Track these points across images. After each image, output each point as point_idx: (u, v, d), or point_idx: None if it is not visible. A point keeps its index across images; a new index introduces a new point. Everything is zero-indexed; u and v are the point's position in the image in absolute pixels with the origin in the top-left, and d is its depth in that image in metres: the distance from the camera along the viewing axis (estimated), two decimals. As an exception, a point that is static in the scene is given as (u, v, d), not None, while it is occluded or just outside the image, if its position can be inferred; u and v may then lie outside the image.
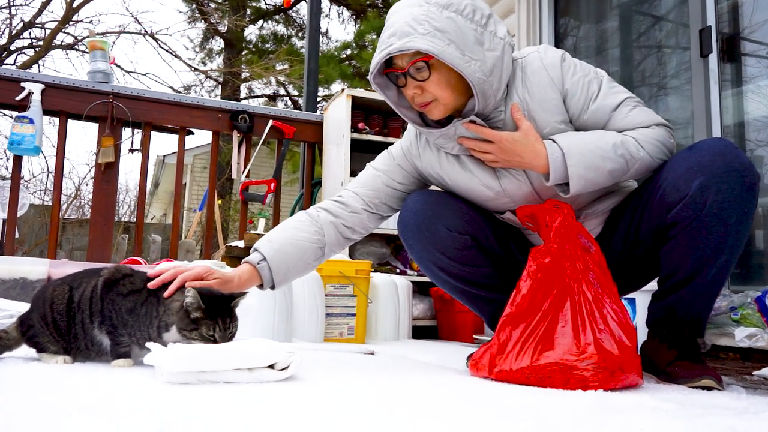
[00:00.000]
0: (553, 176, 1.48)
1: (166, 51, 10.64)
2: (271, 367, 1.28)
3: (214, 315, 1.37)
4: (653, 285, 1.65)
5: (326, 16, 13.54)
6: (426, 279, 3.29)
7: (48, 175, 10.98)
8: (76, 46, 9.39)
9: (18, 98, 3.08)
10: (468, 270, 1.65)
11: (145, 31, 9.61)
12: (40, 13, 9.78)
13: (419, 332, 3.12)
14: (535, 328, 1.37)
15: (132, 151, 3.37)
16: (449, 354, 2.20)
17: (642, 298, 2.20)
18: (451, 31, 1.41)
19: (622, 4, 3.32)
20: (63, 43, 9.36)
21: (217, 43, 13.14)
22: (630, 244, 1.60)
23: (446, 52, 1.41)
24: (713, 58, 2.54)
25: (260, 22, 13.15)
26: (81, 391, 1.12)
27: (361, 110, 3.39)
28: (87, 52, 10.03)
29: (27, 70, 9.26)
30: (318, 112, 3.80)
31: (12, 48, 10.06)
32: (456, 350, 2.38)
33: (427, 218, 1.61)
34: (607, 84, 1.55)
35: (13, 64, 10.00)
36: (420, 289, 3.28)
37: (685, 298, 1.48)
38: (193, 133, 3.63)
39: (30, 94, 3.09)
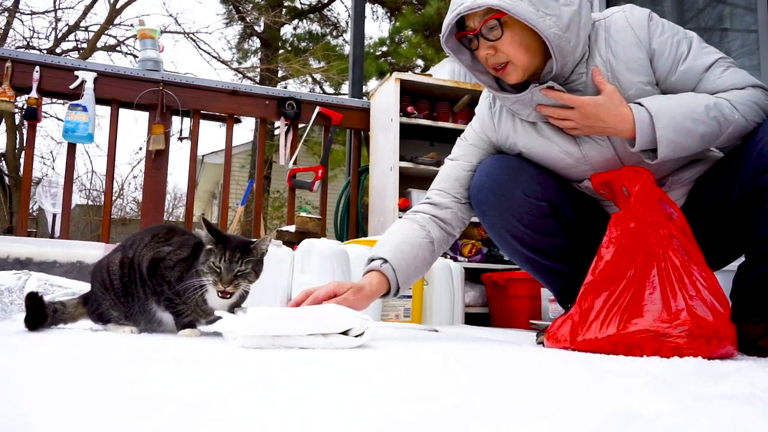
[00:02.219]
0: (640, 141, 1.40)
1: (205, 51, 10.73)
2: (345, 333, 1.23)
3: (225, 248, 1.35)
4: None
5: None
6: (477, 265, 3.21)
7: (92, 175, 11.25)
8: (118, 48, 9.57)
9: (71, 87, 3.12)
10: (542, 239, 1.58)
11: (185, 31, 9.74)
12: (84, 15, 10.02)
13: (471, 319, 3.05)
14: (620, 295, 1.29)
15: (181, 139, 3.39)
16: (512, 336, 2.13)
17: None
18: None
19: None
20: (106, 45, 9.55)
21: (254, 43, 13.27)
22: (718, 213, 1.50)
23: (519, 7, 1.34)
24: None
25: (295, 21, 13.23)
26: (158, 350, 1.10)
27: (408, 95, 3.34)
28: (129, 54, 10.24)
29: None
30: (364, 99, 3.76)
31: (58, 51, 10.32)
32: (517, 334, 2.31)
33: (503, 183, 1.55)
34: (697, 44, 1.46)
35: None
36: (471, 276, 3.21)
37: None
38: (240, 121, 3.63)
39: (83, 82, 3.13)
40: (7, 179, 10.05)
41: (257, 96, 3.44)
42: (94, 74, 3.15)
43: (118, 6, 9.26)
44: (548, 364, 1.02)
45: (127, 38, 9.53)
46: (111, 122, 3.27)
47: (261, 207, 3.56)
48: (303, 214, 3.78)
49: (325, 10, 13.38)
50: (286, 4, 12.71)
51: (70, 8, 9.64)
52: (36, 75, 3.07)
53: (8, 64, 3.03)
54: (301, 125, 3.52)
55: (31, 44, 10.14)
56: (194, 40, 9.62)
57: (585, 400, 0.59)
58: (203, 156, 14.32)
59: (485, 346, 1.46)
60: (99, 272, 1.50)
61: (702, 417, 0.52)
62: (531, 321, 2.69)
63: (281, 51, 13.02)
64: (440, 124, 3.26)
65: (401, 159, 3.13)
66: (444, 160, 1.76)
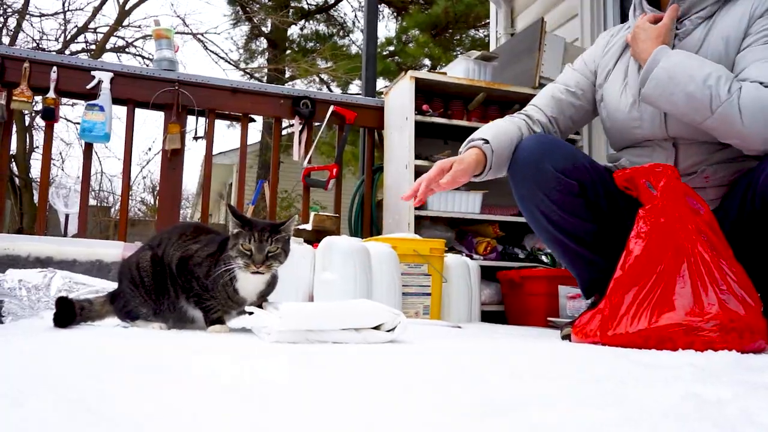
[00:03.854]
0: (643, 74, 1.51)
1: (212, 52, 10.76)
2: (377, 328, 1.24)
3: (252, 229, 1.36)
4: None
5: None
6: (493, 263, 3.21)
7: (102, 176, 11.29)
8: (128, 49, 9.61)
9: (88, 87, 3.13)
10: (570, 221, 1.59)
11: (193, 32, 9.77)
12: (93, 17, 10.06)
13: (486, 317, 3.04)
14: (650, 290, 1.30)
15: (196, 138, 3.40)
16: (531, 332, 2.14)
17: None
18: None
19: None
20: (115, 46, 9.59)
21: (261, 44, 13.30)
22: (744, 222, 1.49)
23: None
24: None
25: (302, 21, 13.25)
26: (189, 344, 1.10)
27: (422, 93, 3.34)
28: (138, 55, 10.26)
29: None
30: (378, 98, 3.76)
31: (67, 53, 10.37)
32: (536, 331, 2.31)
33: (536, 157, 1.60)
34: None
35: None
36: (486, 274, 3.20)
37: None
38: (254, 120, 3.64)
39: (100, 82, 3.15)
40: (17, 180, 10.10)
41: (272, 95, 3.45)
42: (111, 74, 3.17)
43: (127, 7, 9.30)
44: (589, 355, 1.03)
45: (136, 39, 9.56)
46: (127, 121, 3.29)
47: (275, 207, 3.57)
48: (317, 212, 3.80)
49: (332, 10, 13.40)
50: (293, 4, 12.74)
51: (79, 10, 9.64)
52: (53, 75, 3.09)
53: (26, 64, 3.05)
54: (315, 124, 3.53)
55: (40, 46, 10.20)
56: (202, 41, 9.63)
57: (647, 387, 0.59)
58: (212, 156, 14.36)
59: (517, 340, 1.47)
60: (128, 270, 1.51)
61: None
62: (549, 318, 2.69)
63: (288, 51, 13.04)
64: (455, 122, 3.26)
65: (416, 157, 3.13)
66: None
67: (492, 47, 4.52)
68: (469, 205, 3.20)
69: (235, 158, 14.46)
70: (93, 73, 3.16)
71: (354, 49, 12.93)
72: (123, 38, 10.11)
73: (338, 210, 3.51)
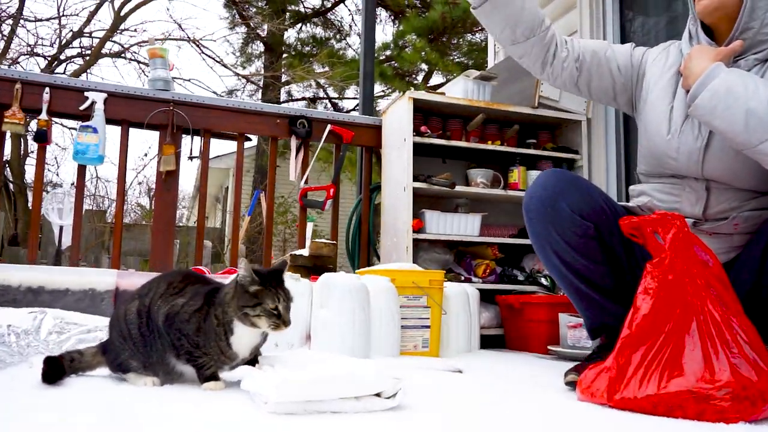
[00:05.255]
0: (698, 83, 1.41)
1: (209, 57, 10.69)
2: (378, 395, 1.20)
3: (273, 286, 1.32)
4: None
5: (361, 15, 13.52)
6: (492, 286, 3.18)
7: (97, 181, 11.21)
8: (123, 55, 9.54)
9: (82, 108, 3.08)
10: (584, 262, 1.56)
11: (189, 37, 9.71)
12: (88, 22, 9.98)
13: (486, 341, 3.01)
14: (658, 351, 1.26)
15: (191, 158, 3.36)
16: (533, 367, 2.10)
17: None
18: None
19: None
20: (111, 52, 9.52)
21: (257, 48, 13.23)
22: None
23: None
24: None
25: (299, 25, 13.18)
26: (187, 419, 1.06)
27: (420, 113, 3.30)
28: (134, 60, 10.18)
29: (86, 78, 9.53)
30: (375, 116, 3.72)
31: (62, 57, 10.30)
32: (536, 363, 2.28)
33: (552, 195, 1.57)
34: None
35: (63, 73, 10.23)
36: (485, 296, 3.17)
37: None
38: (250, 139, 3.60)
39: (93, 103, 3.10)
40: (12, 186, 10.03)
41: (268, 114, 3.40)
42: (104, 95, 3.12)
43: (122, 13, 9.22)
44: (597, 421, 0.99)
45: (131, 45, 9.49)
46: (121, 143, 3.24)
47: (272, 227, 3.52)
48: (310, 225, 3.76)
49: (329, 14, 13.35)
50: (290, 8, 12.67)
51: (74, 15, 9.56)
52: (46, 96, 3.04)
53: (18, 85, 3.00)
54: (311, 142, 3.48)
55: (35, 51, 10.12)
56: (198, 46, 9.57)
57: None
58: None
59: (523, 388, 1.43)
60: (117, 322, 1.47)
61: None
62: (549, 347, 2.65)
63: (285, 55, 12.98)
64: (453, 143, 3.22)
65: (415, 178, 3.09)
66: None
67: (490, 53, 4.46)
68: (468, 228, 3.16)
69: (231, 162, 14.42)
70: (86, 93, 3.11)
71: (350, 53, 12.88)
72: (118, 43, 10.04)
73: (335, 229, 3.47)
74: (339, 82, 10.87)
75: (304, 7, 12.97)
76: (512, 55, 1.81)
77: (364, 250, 3.51)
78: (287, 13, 12.28)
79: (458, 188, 3.17)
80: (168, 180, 3.22)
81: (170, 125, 3.21)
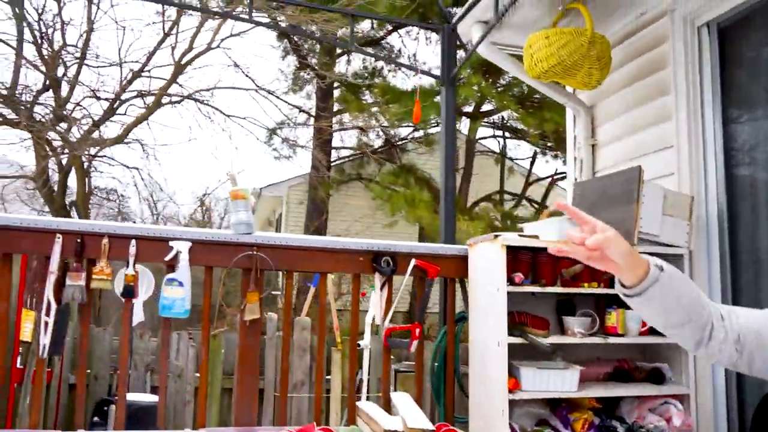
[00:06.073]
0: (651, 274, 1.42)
1: (263, 97, 10.69)
2: None
3: None
4: None
5: (415, 39, 13.38)
6: (591, 446, 2.99)
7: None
8: (182, 103, 9.64)
9: (166, 258, 3.04)
10: None
11: (256, 85, 9.71)
12: (145, 65, 10.11)
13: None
14: None
15: (274, 295, 3.28)
16: None
17: None
18: None
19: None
20: (172, 99, 9.63)
21: (307, 75, 13.19)
22: None
23: None
24: None
25: (349, 55, 13.09)
26: None
27: (510, 248, 3.13)
28: (198, 100, 10.25)
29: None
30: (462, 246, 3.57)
31: (123, 98, 10.49)
32: None
33: None
34: None
35: (125, 113, 10.43)
36: (583, 453, 2.99)
37: None
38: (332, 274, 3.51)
39: (178, 253, 3.05)
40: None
41: (351, 251, 3.30)
42: (189, 243, 3.07)
43: (183, 62, 9.30)
44: None
45: (194, 93, 9.56)
46: (205, 286, 3.19)
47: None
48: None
49: (382, 42, 13.25)
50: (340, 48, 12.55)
51: (135, 62, 9.68)
52: (132, 250, 3.01)
53: (105, 240, 2.97)
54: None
55: (97, 95, 10.35)
56: (261, 95, 9.58)
57: None
58: (261, 189, 14.48)
59: None
60: None
61: None
62: None
63: (336, 84, 12.93)
64: (548, 290, 3.05)
65: (510, 332, 2.94)
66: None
67: (569, 158, 4.26)
68: (565, 384, 2.99)
69: (284, 189, 14.54)
70: (171, 243, 3.07)
71: (399, 82, 12.75)
72: (180, 84, 10.11)
73: (420, 372, 3.35)
74: (394, 119, 10.74)
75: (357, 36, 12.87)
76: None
77: (449, 388, 3.38)
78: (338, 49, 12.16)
79: (553, 338, 3.01)
80: (252, 326, 3.16)
81: (254, 269, 3.14)
